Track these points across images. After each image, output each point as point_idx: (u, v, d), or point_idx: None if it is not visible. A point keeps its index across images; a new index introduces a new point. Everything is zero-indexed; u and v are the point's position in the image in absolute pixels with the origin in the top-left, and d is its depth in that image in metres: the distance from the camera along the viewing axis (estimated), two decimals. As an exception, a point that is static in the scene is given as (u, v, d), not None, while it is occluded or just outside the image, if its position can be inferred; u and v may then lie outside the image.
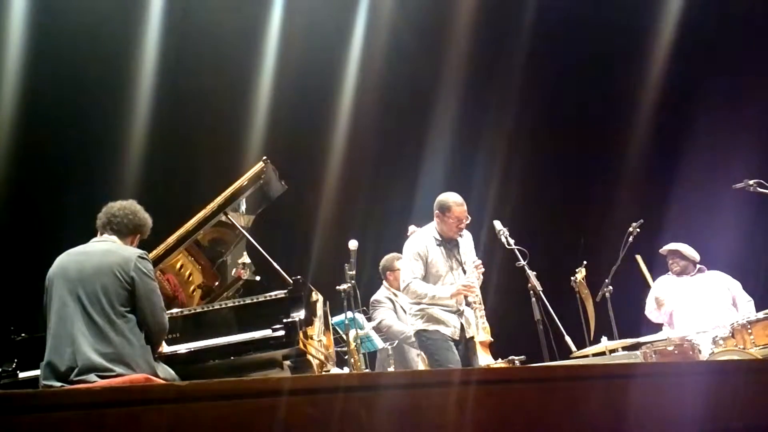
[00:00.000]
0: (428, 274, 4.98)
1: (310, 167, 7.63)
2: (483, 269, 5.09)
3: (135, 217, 3.73)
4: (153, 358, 3.57)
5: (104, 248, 3.63)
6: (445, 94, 7.95)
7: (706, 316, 5.67)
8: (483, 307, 5.00)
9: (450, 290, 4.92)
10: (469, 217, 4.99)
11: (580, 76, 7.81)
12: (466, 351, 4.97)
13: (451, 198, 4.97)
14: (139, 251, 3.64)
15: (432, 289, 4.93)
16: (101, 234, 3.73)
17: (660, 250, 6.14)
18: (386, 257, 6.05)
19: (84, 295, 3.46)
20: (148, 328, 3.52)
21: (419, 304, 4.99)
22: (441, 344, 4.90)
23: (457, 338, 4.95)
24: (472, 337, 5.00)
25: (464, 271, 5.02)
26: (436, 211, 5.01)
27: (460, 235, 5.04)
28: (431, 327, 4.95)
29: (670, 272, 6.10)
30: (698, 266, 6.02)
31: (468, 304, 5.02)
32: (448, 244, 5.04)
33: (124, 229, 3.71)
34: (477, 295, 4.96)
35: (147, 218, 3.81)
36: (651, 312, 6.12)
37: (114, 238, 3.69)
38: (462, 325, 4.98)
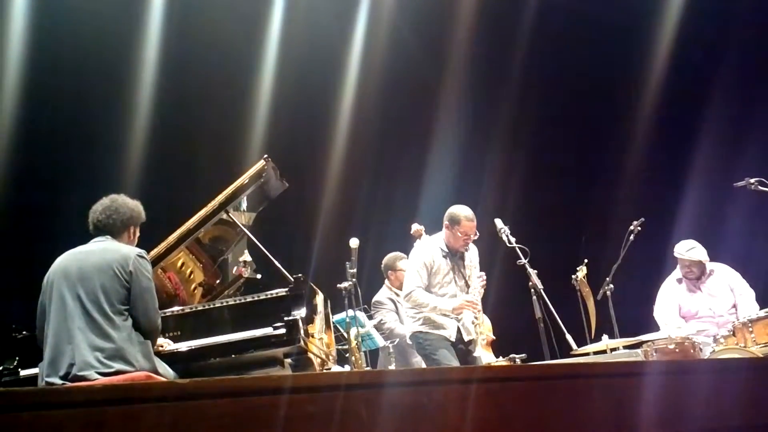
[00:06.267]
0: (431, 284, 4.99)
1: (311, 165, 7.63)
2: (485, 284, 5.12)
3: (118, 214, 3.71)
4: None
5: (104, 247, 3.65)
6: (447, 92, 7.95)
7: (715, 322, 5.66)
8: (481, 322, 5.08)
9: (453, 304, 4.91)
10: (478, 233, 5.00)
11: (582, 74, 7.81)
12: (465, 354, 4.98)
13: (462, 212, 4.97)
14: (139, 250, 3.66)
15: (434, 300, 4.92)
16: (96, 236, 3.73)
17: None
18: (389, 256, 6.04)
19: (83, 293, 3.48)
20: (140, 327, 3.53)
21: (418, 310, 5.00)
22: (438, 344, 4.90)
23: (454, 340, 4.96)
24: (471, 340, 5.00)
25: (467, 284, 5.02)
26: (446, 222, 5.02)
27: (466, 249, 5.05)
28: (428, 329, 4.96)
29: (678, 275, 5.89)
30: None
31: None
32: (454, 255, 5.05)
33: (114, 229, 3.71)
34: (479, 310, 5.00)
35: (133, 208, 3.78)
36: (664, 317, 5.86)
37: (109, 237, 3.70)
38: (459, 329, 4.98)
